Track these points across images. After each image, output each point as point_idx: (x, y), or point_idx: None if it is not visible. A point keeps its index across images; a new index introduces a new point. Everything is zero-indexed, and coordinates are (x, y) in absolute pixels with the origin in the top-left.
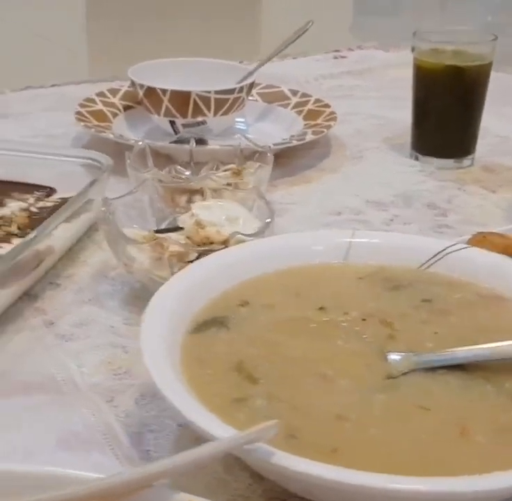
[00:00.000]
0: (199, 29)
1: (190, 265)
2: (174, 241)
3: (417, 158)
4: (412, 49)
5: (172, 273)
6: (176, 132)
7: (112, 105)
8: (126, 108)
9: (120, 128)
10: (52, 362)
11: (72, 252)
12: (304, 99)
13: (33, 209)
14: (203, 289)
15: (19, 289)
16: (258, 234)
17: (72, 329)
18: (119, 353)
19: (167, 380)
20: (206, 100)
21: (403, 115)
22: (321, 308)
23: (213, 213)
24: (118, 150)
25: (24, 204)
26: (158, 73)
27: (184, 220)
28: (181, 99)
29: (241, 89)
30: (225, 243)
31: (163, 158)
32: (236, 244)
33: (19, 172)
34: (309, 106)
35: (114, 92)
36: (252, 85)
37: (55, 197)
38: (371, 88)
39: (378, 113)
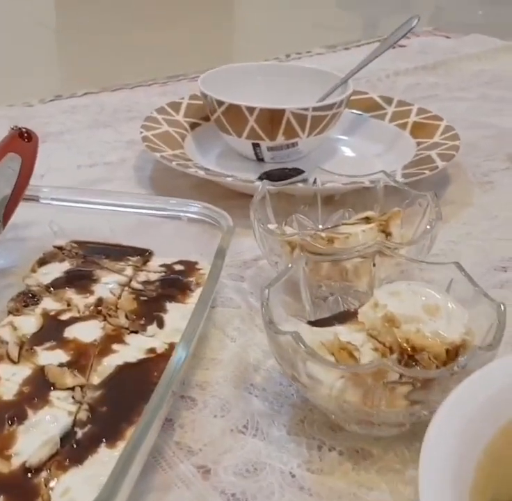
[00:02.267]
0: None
1: (448, 403)
2: (370, 352)
3: None
4: None
5: (373, 404)
6: (258, 156)
7: (177, 124)
8: (193, 126)
9: (193, 154)
10: None
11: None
12: (403, 108)
13: (136, 286)
14: (465, 444)
15: (161, 422)
16: (495, 345)
17: (240, 482)
18: None
19: None
20: (301, 119)
21: (509, 121)
22: None
23: (405, 302)
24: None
25: (122, 279)
26: (228, 83)
27: (366, 312)
28: (272, 119)
29: (341, 103)
30: (440, 355)
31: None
32: (473, 359)
33: (99, 227)
34: (413, 118)
35: (176, 107)
36: (350, 96)
37: (154, 263)
38: (455, 87)
39: (481, 119)
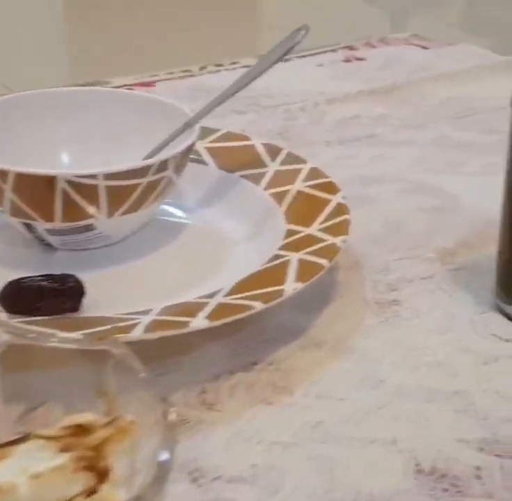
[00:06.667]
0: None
1: None
2: None
3: (504, 312)
4: None
5: None
6: (43, 242)
7: None
8: None
9: None
10: None
11: None
12: (289, 167)
13: None
14: None
15: None
16: None
17: None
18: None
19: None
20: (89, 191)
21: (467, 183)
22: None
23: None
24: None
25: None
26: (18, 120)
27: None
28: (39, 190)
29: (164, 165)
30: None
31: None
32: None
33: None
34: (298, 186)
35: None
36: (189, 152)
37: None
38: (408, 123)
39: (426, 179)
